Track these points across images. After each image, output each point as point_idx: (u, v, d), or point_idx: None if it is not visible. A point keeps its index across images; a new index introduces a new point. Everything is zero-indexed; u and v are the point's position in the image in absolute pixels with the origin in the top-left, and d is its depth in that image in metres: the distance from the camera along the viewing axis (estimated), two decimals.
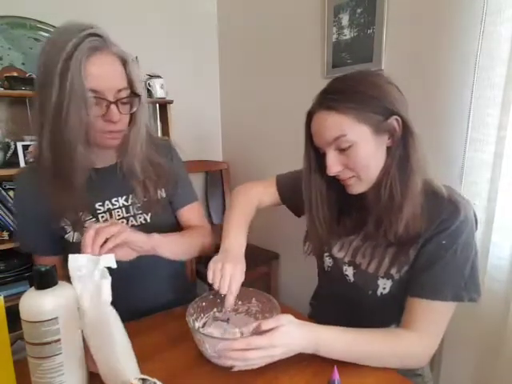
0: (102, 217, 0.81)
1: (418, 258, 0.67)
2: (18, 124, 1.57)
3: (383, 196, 0.66)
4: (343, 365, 0.61)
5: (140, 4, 1.85)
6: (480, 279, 0.66)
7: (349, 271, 0.76)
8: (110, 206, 0.83)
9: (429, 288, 0.65)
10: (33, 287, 0.49)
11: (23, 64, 1.53)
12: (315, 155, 0.73)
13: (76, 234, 0.80)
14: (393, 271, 0.70)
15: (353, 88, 0.64)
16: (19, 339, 0.50)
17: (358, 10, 1.40)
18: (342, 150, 0.65)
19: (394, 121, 0.64)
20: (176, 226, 0.93)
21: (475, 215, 0.67)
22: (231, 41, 2.13)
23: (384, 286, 0.71)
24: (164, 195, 0.87)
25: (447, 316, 0.66)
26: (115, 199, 0.83)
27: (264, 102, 1.95)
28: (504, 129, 1.00)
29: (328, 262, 0.81)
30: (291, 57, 1.74)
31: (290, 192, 0.89)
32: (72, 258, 0.53)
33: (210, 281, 0.68)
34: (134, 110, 0.75)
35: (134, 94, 0.74)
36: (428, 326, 0.65)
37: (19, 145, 1.43)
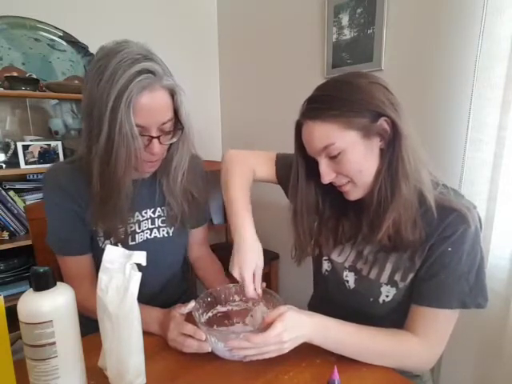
0: (131, 227, 0.82)
1: (423, 266, 0.65)
2: (18, 124, 1.57)
3: (375, 199, 0.64)
4: (343, 365, 0.61)
5: (140, 4, 1.85)
6: (487, 284, 0.64)
7: (350, 277, 0.74)
8: (140, 218, 0.84)
9: (434, 296, 0.64)
10: (31, 288, 0.49)
11: (23, 64, 1.53)
12: (304, 164, 0.72)
13: (107, 241, 0.80)
14: (397, 278, 0.68)
15: (334, 94, 0.62)
16: (19, 339, 0.49)
17: (358, 10, 1.40)
18: (333, 158, 0.64)
19: (383, 122, 0.61)
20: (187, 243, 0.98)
21: (479, 219, 0.65)
22: (231, 40, 2.13)
23: (387, 293, 0.69)
24: (187, 211, 0.88)
25: (452, 323, 0.65)
26: (145, 211, 0.85)
27: (264, 102, 1.95)
28: (504, 129, 1.00)
29: (326, 265, 0.79)
30: (291, 57, 1.74)
31: (287, 171, 0.84)
32: (109, 248, 0.53)
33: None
34: (174, 140, 0.76)
35: (178, 124, 0.74)
36: (432, 334, 0.64)
37: (19, 145, 1.43)
